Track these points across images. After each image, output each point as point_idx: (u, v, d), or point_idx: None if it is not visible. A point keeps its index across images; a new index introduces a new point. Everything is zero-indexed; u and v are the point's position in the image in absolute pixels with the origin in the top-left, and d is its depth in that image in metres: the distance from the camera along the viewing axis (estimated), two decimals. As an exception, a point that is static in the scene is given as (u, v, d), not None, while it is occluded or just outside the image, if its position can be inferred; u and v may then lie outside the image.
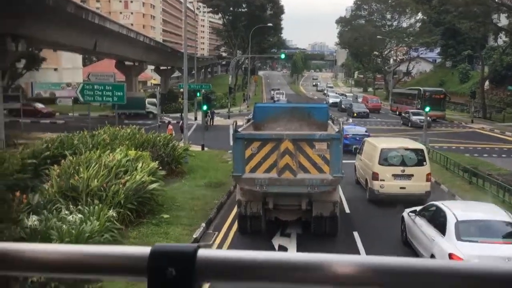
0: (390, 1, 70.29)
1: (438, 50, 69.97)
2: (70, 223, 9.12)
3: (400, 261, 0.66)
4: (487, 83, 49.85)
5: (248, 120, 14.26)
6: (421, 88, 46.05)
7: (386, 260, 0.67)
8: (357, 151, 17.70)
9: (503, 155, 26.02)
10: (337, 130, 11.24)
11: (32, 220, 8.94)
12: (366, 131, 24.79)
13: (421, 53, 72.03)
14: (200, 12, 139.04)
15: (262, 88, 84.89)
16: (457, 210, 9.30)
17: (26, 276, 6.97)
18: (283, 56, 63.64)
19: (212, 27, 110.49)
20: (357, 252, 10.45)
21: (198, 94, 31.77)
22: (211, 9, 74.76)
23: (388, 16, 72.94)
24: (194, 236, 11.18)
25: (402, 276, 0.65)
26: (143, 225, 11.64)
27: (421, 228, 9.79)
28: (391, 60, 75.53)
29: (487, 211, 9.62)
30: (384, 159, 14.30)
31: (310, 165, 10.62)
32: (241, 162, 10.71)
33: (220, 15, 73.85)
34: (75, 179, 11.55)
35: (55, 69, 53.57)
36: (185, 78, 23.75)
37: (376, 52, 73.41)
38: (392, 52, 74.91)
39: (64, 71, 54.55)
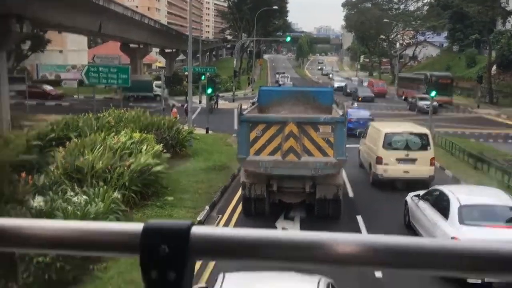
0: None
1: (445, 34, 69.11)
2: (75, 204, 9.21)
3: (401, 240, 0.65)
4: (494, 67, 49.29)
5: (253, 103, 14.28)
6: (428, 73, 45.55)
7: (386, 239, 0.66)
8: (361, 135, 17.70)
9: (509, 141, 25.88)
10: (341, 113, 11.28)
11: (38, 201, 9.03)
12: (370, 115, 24.86)
13: (428, 37, 71.20)
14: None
15: (267, 71, 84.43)
16: (460, 194, 9.31)
17: (23, 255, 7.06)
18: (288, 39, 63.17)
19: (217, 9, 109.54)
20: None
21: (202, 77, 31.65)
22: (216, -9, 73.88)
23: (395, -1, 71.97)
24: (198, 218, 11.26)
25: (403, 255, 0.64)
26: (147, 207, 11.73)
27: (424, 212, 9.82)
28: (398, 44, 74.76)
29: (491, 195, 9.61)
30: (388, 143, 14.32)
31: (314, 148, 10.71)
32: (245, 144, 10.84)
33: (225, -3, 73.05)
34: (80, 161, 11.61)
35: (60, 51, 53.46)
36: (189, 61, 23.65)
37: (382, 36, 72.60)
38: (398, 36, 74.06)
39: (69, 53, 54.44)
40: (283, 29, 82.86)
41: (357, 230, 10.89)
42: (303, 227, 11.11)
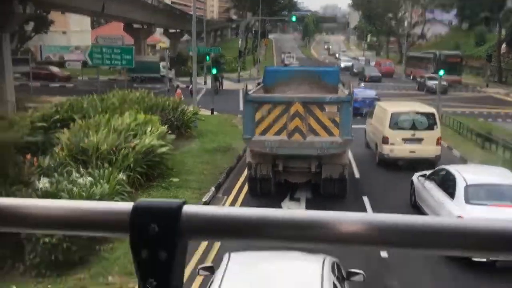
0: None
1: (454, 11, 67.85)
2: (81, 186, 9.21)
3: (404, 219, 0.64)
4: (503, 46, 48.49)
5: (259, 84, 14.18)
6: (436, 52, 44.82)
7: (390, 218, 0.64)
8: (368, 115, 17.58)
9: (518, 120, 25.58)
10: (347, 93, 11.17)
11: (43, 183, 9.04)
12: (376, 95, 24.74)
13: (437, 15, 69.99)
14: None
15: (273, 51, 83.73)
16: (466, 173, 9.27)
17: (30, 236, 7.09)
18: (294, 18, 62.31)
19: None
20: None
21: (207, 58, 31.39)
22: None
23: (404, -24, 70.54)
24: (204, 199, 11.27)
25: (406, 234, 0.63)
26: (153, 189, 11.74)
27: (430, 191, 9.80)
28: (406, 23, 73.57)
29: (497, 175, 9.57)
30: (395, 123, 14.28)
31: (320, 127, 10.71)
32: (251, 125, 10.86)
33: (230, -24, 72.04)
34: (85, 142, 11.59)
35: (64, 32, 53.17)
36: (193, 41, 23.41)
37: (390, 14, 71.45)
38: (406, 14, 72.85)
39: (72, 34, 54.14)
40: (288, 8, 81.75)
41: (363, 210, 10.84)
42: (309, 208, 11.08)
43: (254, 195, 11.80)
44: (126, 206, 0.67)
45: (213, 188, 12.08)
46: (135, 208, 0.66)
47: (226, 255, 5.24)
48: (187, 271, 7.69)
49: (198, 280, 7.18)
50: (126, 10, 37.51)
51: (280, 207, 11.06)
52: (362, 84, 36.89)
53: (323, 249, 4.65)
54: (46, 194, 8.78)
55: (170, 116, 17.13)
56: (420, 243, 0.63)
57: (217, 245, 8.32)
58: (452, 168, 9.79)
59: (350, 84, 12.55)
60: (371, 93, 25.51)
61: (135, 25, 45.78)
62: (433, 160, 13.65)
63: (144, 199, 0.67)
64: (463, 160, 15.67)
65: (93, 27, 62.29)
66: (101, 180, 9.68)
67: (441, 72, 25.84)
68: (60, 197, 8.69)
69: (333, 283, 4.75)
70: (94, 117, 13.85)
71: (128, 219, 0.65)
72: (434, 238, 0.62)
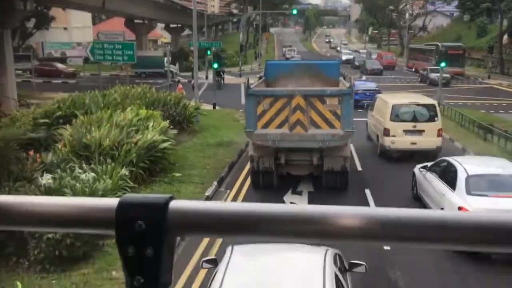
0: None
1: (455, 3, 67.48)
2: (84, 182, 9.25)
3: (403, 212, 0.62)
4: (505, 37, 48.23)
5: (260, 77, 14.20)
6: (439, 44, 44.60)
7: (386, 212, 0.62)
8: (369, 107, 17.60)
9: (520, 111, 25.50)
10: (348, 85, 11.21)
11: (46, 179, 9.08)
12: (376, 87, 24.82)
13: (438, 7, 69.60)
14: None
15: (274, 45, 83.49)
16: (467, 164, 9.29)
17: (33, 232, 7.14)
18: (294, 12, 62.10)
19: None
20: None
21: (208, 52, 31.33)
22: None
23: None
24: (206, 194, 11.30)
25: (404, 227, 0.61)
26: (155, 184, 11.79)
27: (432, 183, 9.84)
28: (407, 15, 73.18)
29: (498, 165, 9.59)
30: (396, 115, 14.34)
31: (321, 120, 10.78)
32: (253, 118, 10.92)
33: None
34: (88, 138, 11.63)
35: (65, 28, 53.08)
36: (194, 36, 23.37)
37: (391, 7, 71.10)
38: (408, 6, 72.46)
39: (74, 30, 54.05)
40: (289, 2, 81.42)
41: (366, 203, 10.88)
42: (311, 201, 11.12)
43: (257, 188, 11.87)
44: (112, 202, 0.65)
45: (215, 183, 12.11)
46: (120, 204, 0.64)
47: (229, 247, 5.29)
48: (191, 264, 7.75)
49: (202, 273, 7.24)
50: (127, 6, 37.43)
51: (282, 200, 11.10)
52: (364, 77, 36.83)
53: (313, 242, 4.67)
54: (49, 190, 8.84)
55: (172, 111, 17.15)
56: (423, 238, 0.62)
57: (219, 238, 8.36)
58: (453, 160, 9.81)
59: (350, 77, 12.58)
60: (371, 85, 25.59)
61: (136, 21, 45.69)
62: (434, 151, 13.71)
63: (130, 195, 0.66)
64: (465, 152, 15.66)
65: (94, 23, 62.21)
66: (104, 176, 9.73)
67: (443, 64, 25.79)
68: (63, 193, 8.75)
69: (335, 274, 4.79)
70: (96, 113, 13.88)
71: (114, 215, 0.64)
72: (437, 232, 0.61)
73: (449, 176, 9.26)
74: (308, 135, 10.78)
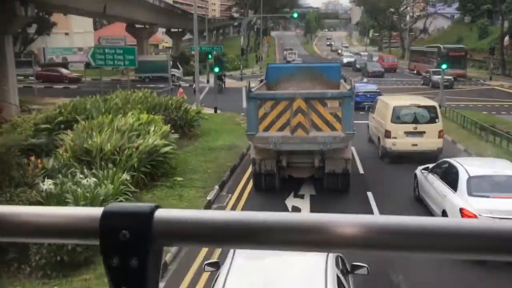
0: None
1: (456, 5, 67.54)
2: (85, 187, 9.24)
3: (403, 220, 0.60)
4: (507, 38, 48.20)
5: (261, 81, 14.23)
6: (440, 46, 44.57)
7: (383, 220, 0.60)
8: (370, 109, 17.64)
9: (522, 113, 25.44)
10: (348, 88, 11.24)
11: (48, 184, 9.08)
12: (377, 89, 24.94)
13: (439, 9, 69.64)
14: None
15: (275, 49, 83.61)
16: (469, 166, 9.28)
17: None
18: (295, 15, 62.00)
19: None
20: (370, 212, 10.45)
21: (209, 56, 31.37)
22: (221, -32, 72.75)
23: (405, -30, 70.20)
24: (208, 198, 11.28)
25: (405, 235, 0.59)
26: (157, 188, 11.77)
27: (433, 184, 9.84)
28: (408, 17, 73.23)
29: (499, 166, 9.58)
30: (397, 117, 14.41)
31: (322, 123, 10.83)
32: (255, 121, 10.97)
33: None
34: (89, 143, 11.63)
35: (66, 34, 53.25)
36: (195, 40, 23.42)
37: (392, 9, 71.16)
38: (408, 8, 72.51)
39: (75, 35, 54.21)
40: (290, 5, 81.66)
41: (368, 206, 10.85)
42: (314, 204, 11.08)
43: (259, 191, 11.89)
44: (96, 211, 0.64)
45: (217, 187, 12.10)
46: (104, 214, 0.63)
47: (231, 250, 5.27)
48: (194, 267, 7.73)
49: (205, 276, 7.21)
50: (128, 11, 37.54)
51: (284, 204, 11.07)
52: (365, 79, 36.83)
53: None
54: (50, 196, 8.83)
55: (173, 115, 17.15)
56: (424, 246, 0.59)
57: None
58: (455, 161, 9.82)
59: (351, 79, 12.60)
60: (372, 87, 25.78)
61: (137, 25, 45.83)
62: (435, 152, 13.77)
63: (115, 204, 0.65)
64: (467, 154, 15.62)
65: (95, 28, 62.40)
66: (105, 181, 9.72)
67: (444, 66, 25.76)
68: (65, 198, 8.74)
69: (337, 276, 4.77)
70: (97, 118, 13.88)
71: (98, 225, 0.63)
72: (439, 240, 0.59)
73: (450, 177, 9.26)
74: (310, 138, 10.82)
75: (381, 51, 78.04)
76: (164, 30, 60.70)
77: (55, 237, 0.68)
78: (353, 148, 14.30)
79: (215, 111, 23.98)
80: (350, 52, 71.40)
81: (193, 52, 28.86)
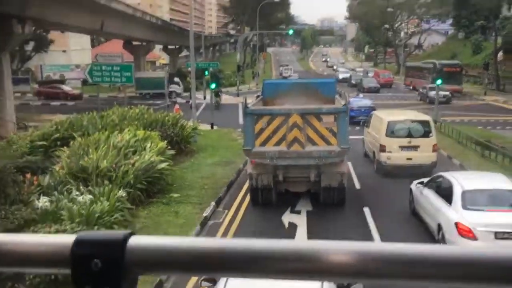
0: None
1: (450, 21, 68.38)
2: (81, 204, 9.21)
3: (398, 248, 0.58)
4: (501, 53, 48.74)
5: (258, 97, 14.37)
6: (436, 61, 44.98)
7: (381, 247, 0.59)
8: (365, 124, 17.80)
9: (517, 127, 25.59)
10: (343, 103, 11.38)
11: (43, 201, 9.05)
12: (371, 104, 25.31)
13: (433, 25, 70.52)
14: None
15: (271, 65, 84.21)
16: (463, 180, 9.35)
17: None
18: (291, 32, 62.83)
19: (219, 4, 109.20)
20: (366, 227, 10.44)
21: (206, 72, 31.56)
22: (217, -15, 73.68)
23: (399, -12, 71.18)
24: (204, 214, 11.25)
25: (401, 264, 0.58)
26: (153, 205, 11.73)
27: (429, 198, 9.88)
28: (402, 33, 74.10)
29: (493, 180, 9.63)
30: (391, 131, 14.59)
31: (318, 137, 10.97)
32: (251, 136, 11.10)
33: (227, -9, 72.84)
34: (85, 160, 11.61)
35: (64, 51, 53.57)
36: (192, 57, 23.59)
37: (386, 26, 72.02)
38: (403, 24, 73.42)
39: (72, 52, 54.55)
40: (286, 22, 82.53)
41: (364, 222, 10.83)
42: (310, 220, 11.06)
43: (256, 205, 11.93)
44: (67, 239, 0.62)
45: (213, 203, 12.07)
46: (76, 242, 0.61)
47: None
48: (190, 283, 7.66)
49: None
50: (125, 28, 37.86)
51: (280, 220, 11.04)
52: (361, 95, 37.06)
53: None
54: (45, 213, 8.79)
55: (169, 131, 17.17)
56: (423, 275, 0.57)
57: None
58: (449, 175, 9.89)
59: (346, 95, 12.75)
60: (367, 102, 26.19)
61: (134, 42, 46.17)
62: (429, 166, 13.93)
63: (87, 232, 0.63)
64: (463, 169, 15.67)
65: (93, 45, 62.82)
66: (101, 198, 9.69)
67: (439, 82, 26.00)
68: (60, 216, 8.69)
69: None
70: (93, 135, 13.89)
71: (70, 253, 0.61)
72: (436, 268, 0.56)
73: (445, 191, 9.31)
74: (306, 152, 10.94)
75: (377, 66, 78.73)
76: (161, 47, 61.14)
77: (24, 265, 0.65)
78: (349, 163, 14.37)
79: (212, 127, 24.04)
80: (346, 68, 71.98)
81: (189, 69, 29.04)
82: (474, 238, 7.88)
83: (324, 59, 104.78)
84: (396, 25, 72.45)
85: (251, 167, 11.63)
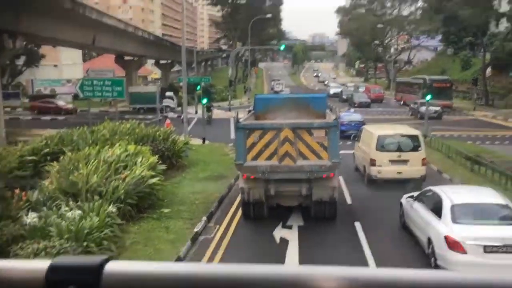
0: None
1: (439, 37, 69.52)
2: (70, 220, 9.10)
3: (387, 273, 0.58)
4: (489, 69, 49.51)
5: (249, 111, 14.42)
6: (426, 77, 45.53)
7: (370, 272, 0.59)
8: (355, 138, 17.94)
9: (506, 142, 25.89)
10: (334, 118, 11.49)
11: (32, 217, 8.94)
12: (361, 119, 25.67)
13: (423, 41, 71.59)
14: (199, 4, 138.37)
15: (263, 79, 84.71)
16: (452, 194, 9.44)
17: None
18: (282, 47, 63.24)
19: (211, 19, 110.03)
20: (358, 242, 10.42)
21: (197, 87, 31.65)
22: (210, 1, 74.38)
23: (388, 4, 72.37)
24: (195, 229, 11.16)
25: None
26: (144, 220, 11.62)
27: (418, 212, 9.94)
28: (392, 49, 75.07)
29: (483, 194, 9.72)
30: (381, 146, 14.77)
31: (309, 152, 11.03)
32: (243, 150, 11.13)
33: (219, 7, 73.49)
34: (75, 175, 11.51)
35: (55, 66, 53.53)
36: (184, 71, 23.67)
37: (377, 41, 72.98)
38: (393, 40, 74.43)
39: (64, 67, 54.51)
40: (277, 37, 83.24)
41: (355, 237, 10.81)
42: (302, 235, 11.02)
43: (248, 219, 11.91)
44: (42, 265, 0.61)
45: (205, 218, 11.99)
46: (51, 267, 0.60)
47: None
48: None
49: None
50: (117, 43, 37.98)
51: (272, 236, 10.99)
52: (352, 110, 37.34)
53: None
54: (34, 229, 8.68)
55: (160, 146, 17.12)
56: None
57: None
58: (439, 189, 9.97)
59: (337, 109, 12.87)
60: (357, 116, 26.52)
61: (126, 57, 46.27)
62: (419, 180, 14.08)
63: (63, 256, 0.62)
64: (453, 183, 15.76)
65: (84, 60, 62.84)
66: (91, 213, 9.59)
67: (428, 97, 26.31)
68: (48, 232, 8.58)
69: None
70: (84, 149, 13.81)
71: (44, 279, 0.59)
72: None
73: (435, 205, 9.38)
74: (297, 167, 10.98)
75: (367, 82, 79.52)
76: (153, 61, 61.31)
77: None
78: (340, 178, 14.41)
79: (203, 142, 24.02)
80: (337, 83, 72.61)
81: (181, 84, 29.12)
82: (464, 251, 7.92)
83: (315, 74, 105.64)
84: (386, 41, 73.47)
85: (243, 181, 11.62)
